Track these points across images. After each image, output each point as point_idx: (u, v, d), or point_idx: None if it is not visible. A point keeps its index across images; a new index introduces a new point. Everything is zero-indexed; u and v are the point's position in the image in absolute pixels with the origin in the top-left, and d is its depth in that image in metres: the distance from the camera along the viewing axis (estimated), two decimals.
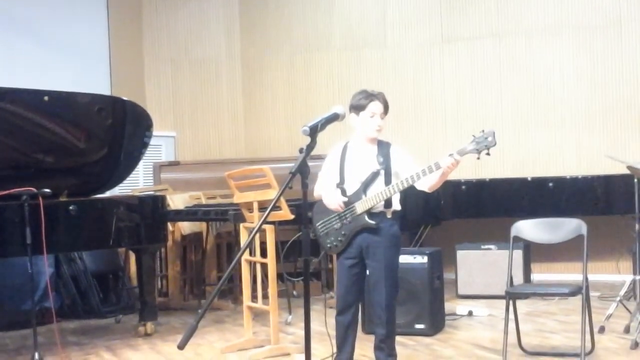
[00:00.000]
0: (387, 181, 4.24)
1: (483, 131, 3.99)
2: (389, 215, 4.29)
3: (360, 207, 4.25)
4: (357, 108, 4.29)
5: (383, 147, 4.34)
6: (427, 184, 4.21)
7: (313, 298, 3.41)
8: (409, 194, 4.36)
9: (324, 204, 4.37)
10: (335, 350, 4.46)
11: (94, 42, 8.93)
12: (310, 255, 3.34)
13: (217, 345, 5.84)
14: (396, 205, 4.32)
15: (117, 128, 6.30)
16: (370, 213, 4.25)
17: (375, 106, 4.28)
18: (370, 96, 4.30)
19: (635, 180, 6.09)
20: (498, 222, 7.61)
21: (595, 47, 8.58)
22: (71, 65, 8.52)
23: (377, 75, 9.34)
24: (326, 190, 4.37)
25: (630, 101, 8.42)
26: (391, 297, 4.31)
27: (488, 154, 3.97)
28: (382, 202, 4.22)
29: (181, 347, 2.90)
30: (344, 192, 4.31)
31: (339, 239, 4.32)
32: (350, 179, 4.32)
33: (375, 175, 4.27)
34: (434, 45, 9.18)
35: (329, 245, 4.38)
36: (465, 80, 9.06)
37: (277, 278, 5.65)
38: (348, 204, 4.27)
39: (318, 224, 4.43)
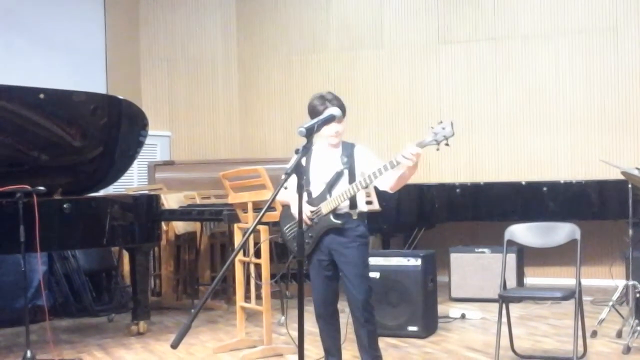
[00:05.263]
0: (351, 181, 4.20)
1: (441, 122, 3.92)
2: (354, 217, 4.26)
3: (325, 207, 4.22)
4: (314, 114, 4.09)
5: (347, 147, 4.31)
6: (387, 183, 4.16)
7: (307, 299, 3.40)
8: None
9: (290, 209, 4.34)
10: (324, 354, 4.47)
11: (91, 40, 8.92)
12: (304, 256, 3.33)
13: (210, 345, 5.84)
14: (362, 207, 4.30)
15: (113, 127, 6.30)
16: (335, 214, 4.23)
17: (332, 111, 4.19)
18: (325, 102, 4.16)
19: (629, 185, 6.10)
20: (492, 225, 7.62)
21: (591, 52, 8.59)
22: (67, 63, 8.51)
23: (373, 76, 9.35)
24: (293, 200, 4.20)
25: (626, 106, 8.44)
26: (366, 296, 4.25)
27: (447, 144, 3.89)
28: (347, 203, 4.20)
29: (174, 346, 2.89)
30: (309, 195, 4.28)
31: (307, 241, 4.26)
32: (316, 181, 4.29)
33: (339, 175, 4.24)
34: (431, 46, 9.19)
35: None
36: (461, 83, 9.06)
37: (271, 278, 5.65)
38: (315, 211, 4.24)
39: (285, 228, 4.40)
